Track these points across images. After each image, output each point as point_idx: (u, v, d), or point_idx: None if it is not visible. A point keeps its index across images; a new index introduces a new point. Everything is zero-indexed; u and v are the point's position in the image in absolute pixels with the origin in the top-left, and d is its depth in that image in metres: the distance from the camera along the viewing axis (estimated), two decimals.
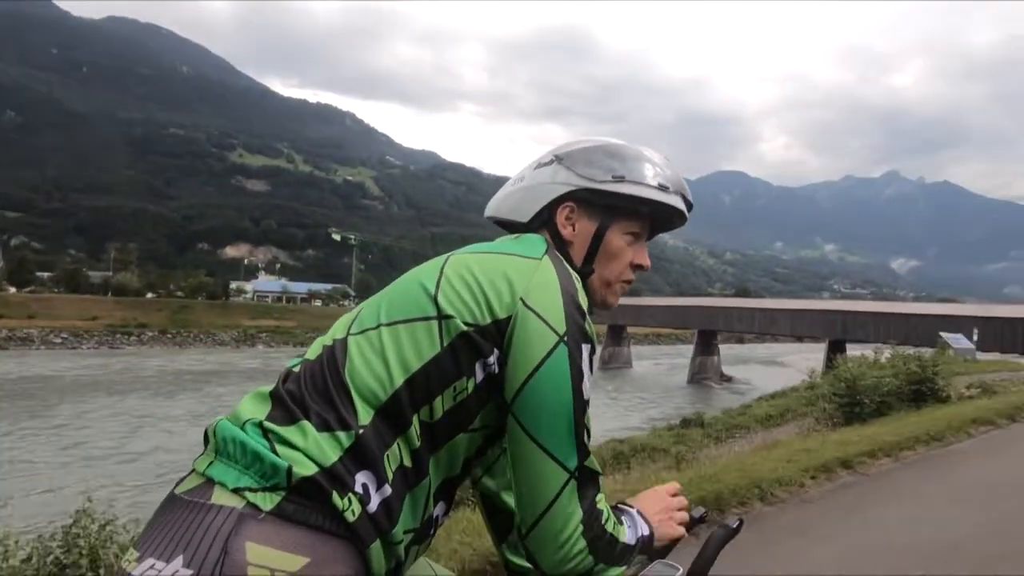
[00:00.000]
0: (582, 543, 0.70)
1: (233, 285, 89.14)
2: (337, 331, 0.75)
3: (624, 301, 0.96)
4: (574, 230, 0.85)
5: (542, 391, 0.69)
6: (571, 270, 0.80)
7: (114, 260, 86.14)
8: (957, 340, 21.23)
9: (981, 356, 22.69)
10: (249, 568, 0.55)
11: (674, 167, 0.90)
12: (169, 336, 58.28)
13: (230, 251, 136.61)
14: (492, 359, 0.71)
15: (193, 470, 0.66)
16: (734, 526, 0.90)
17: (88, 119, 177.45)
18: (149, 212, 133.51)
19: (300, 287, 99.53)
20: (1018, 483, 4.77)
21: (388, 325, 0.71)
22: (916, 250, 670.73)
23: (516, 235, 0.87)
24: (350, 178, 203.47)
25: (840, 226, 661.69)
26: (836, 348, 42.12)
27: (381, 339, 0.70)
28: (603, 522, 0.73)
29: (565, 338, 0.70)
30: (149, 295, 71.24)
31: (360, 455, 0.64)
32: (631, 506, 0.83)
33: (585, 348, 0.72)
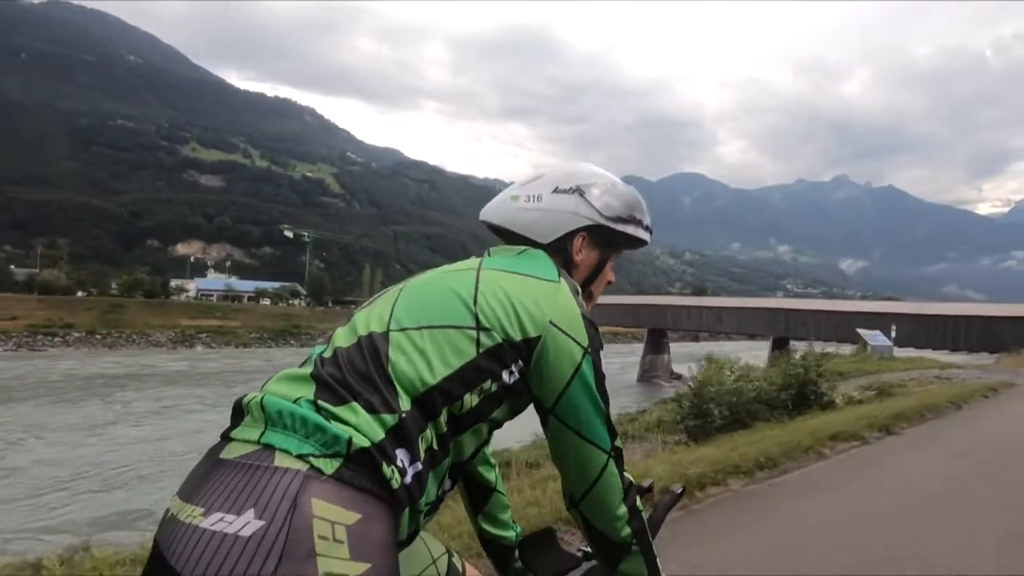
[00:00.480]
0: (623, 508, 0.89)
1: (176, 283, 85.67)
2: (373, 324, 0.84)
3: None
4: (582, 256, 1.01)
5: (578, 395, 0.85)
6: (574, 281, 0.96)
7: (41, 256, 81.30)
8: (874, 337, 20.23)
9: (902, 352, 22.72)
10: (315, 520, 0.65)
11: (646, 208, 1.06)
12: (98, 337, 54.94)
13: (181, 248, 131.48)
14: (515, 368, 0.84)
15: (232, 439, 0.74)
16: (679, 492, 1.09)
17: (27, 108, 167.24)
18: (93, 207, 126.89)
19: (247, 285, 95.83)
20: (830, 538, 3.40)
21: (429, 328, 0.82)
22: (863, 251, 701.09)
23: (523, 250, 0.98)
24: (309, 174, 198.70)
25: (793, 228, 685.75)
26: (780, 345, 41.39)
27: (424, 340, 0.81)
28: (634, 495, 0.92)
29: (589, 350, 0.86)
30: (80, 293, 67.16)
31: (401, 435, 0.74)
32: None
33: (601, 353, 0.89)
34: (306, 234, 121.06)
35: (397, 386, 0.77)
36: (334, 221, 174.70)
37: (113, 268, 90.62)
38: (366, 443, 0.71)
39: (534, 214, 1.00)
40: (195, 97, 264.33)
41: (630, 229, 1.03)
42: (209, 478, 0.70)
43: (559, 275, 0.92)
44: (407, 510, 0.75)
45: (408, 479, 0.74)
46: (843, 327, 34.01)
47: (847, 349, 24.49)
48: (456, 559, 1.04)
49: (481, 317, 0.83)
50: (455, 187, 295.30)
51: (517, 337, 0.84)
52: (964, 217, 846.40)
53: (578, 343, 0.86)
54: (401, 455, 0.74)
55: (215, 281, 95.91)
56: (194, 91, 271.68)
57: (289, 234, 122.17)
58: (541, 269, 0.92)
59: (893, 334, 22.77)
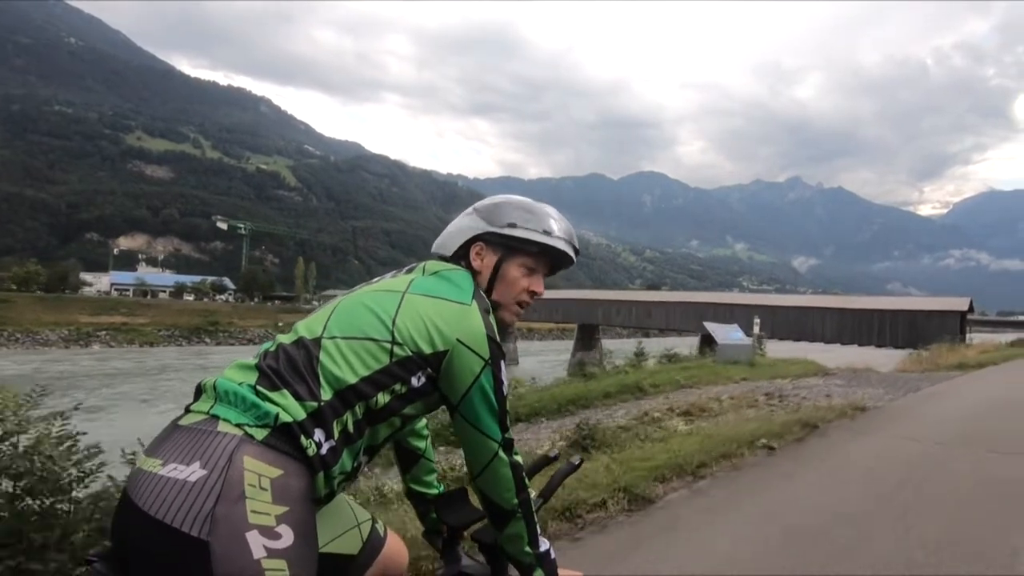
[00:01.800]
0: (511, 485, 1.09)
1: (88, 277, 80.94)
2: (313, 329, 1.06)
3: None
4: (482, 262, 1.21)
5: (477, 398, 1.06)
6: (486, 301, 1.14)
7: None
8: (729, 334, 13.81)
9: (789, 351, 17.64)
10: (245, 472, 0.88)
11: (565, 220, 1.24)
12: None
13: (124, 242, 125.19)
14: (423, 375, 1.06)
15: (190, 411, 0.98)
16: (576, 463, 1.26)
17: None
18: (26, 197, 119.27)
19: (166, 279, 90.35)
20: None
21: (353, 339, 1.03)
22: (815, 250, 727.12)
23: (449, 270, 1.18)
24: (264, 167, 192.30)
25: (749, 227, 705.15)
26: (710, 342, 39.91)
27: (348, 348, 1.03)
28: (523, 473, 1.11)
29: (489, 362, 1.06)
30: None
31: (319, 418, 0.97)
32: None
33: (502, 363, 1.09)
34: (242, 226, 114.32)
35: (322, 381, 0.99)
36: (290, 215, 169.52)
37: (47, 263, 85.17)
38: (290, 419, 0.94)
39: (445, 235, 1.24)
40: (142, 84, 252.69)
41: (519, 232, 1.19)
42: (168, 438, 0.93)
43: (472, 297, 1.11)
44: (321, 475, 0.97)
45: (323, 451, 0.96)
46: (771, 321, 32.90)
47: (787, 347, 23.22)
48: (380, 526, 1.24)
49: (396, 334, 1.04)
50: (417, 182, 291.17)
51: (428, 351, 1.04)
52: (907, 218, 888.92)
53: (480, 357, 1.05)
54: (318, 433, 0.96)
55: (129, 275, 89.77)
56: (141, 78, 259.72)
57: (223, 225, 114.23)
58: (458, 292, 1.11)
59: (757, 328, 17.33)
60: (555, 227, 1.21)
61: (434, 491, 1.39)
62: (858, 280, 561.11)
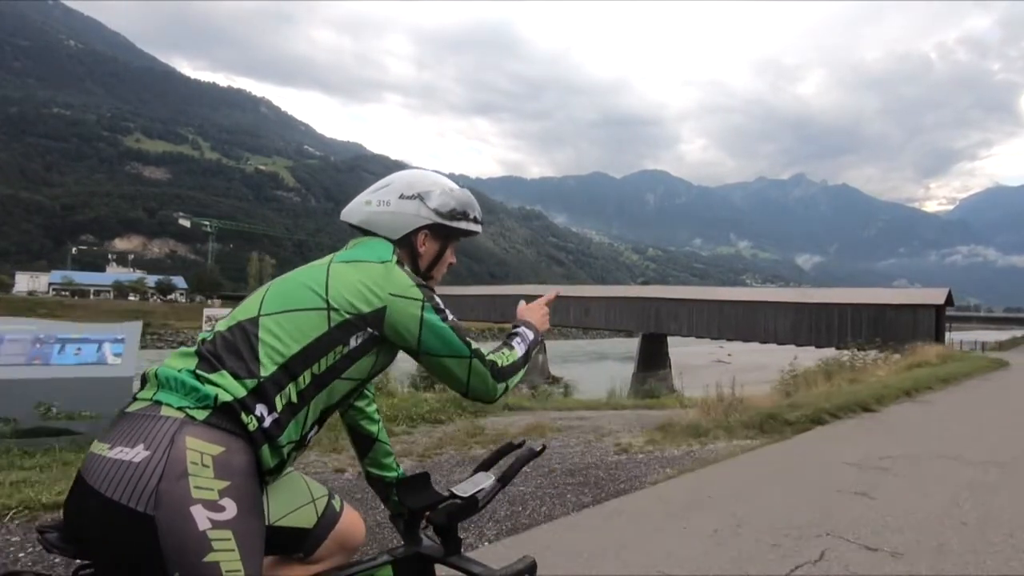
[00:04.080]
0: (492, 380, 1.17)
1: (26, 276, 78.41)
2: (249, 309, 1.10)
3: (441, 290, 1.26)
4: (425, 248, 1.27)
5: (430, 333, 1.13)
6: (402, 260, 1.23)
7: None
8: None
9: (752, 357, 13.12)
10: (188, 451, 0.92)
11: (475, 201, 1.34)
12: None
13: (119, 244, 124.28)
14: (361, 335, 1.10)
15: (137, 399, 1.02)
16: (538, 449, 1.29)
17: None
18: (21, 200, 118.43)
19: (103, 278, 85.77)
20: None
21: (290, 312, 1.08)
22: (819, 247, 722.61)
23: (367, 239, 1.24)
24: (263, 167, 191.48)
25: (753, 224, 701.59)
26: (655, 344, 33.21)
27: (286, 320, 1.07)
28: (498, 364, 1.19)
29: (425, 300, 1.13)
30: None
31: (260, 394, 1.01)
32: (519, 324, 1.34)
33: (436, 298, 1.16)
34: (207, 223, 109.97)
35: (262, 357, 1.03)
36: (288, 216, 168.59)
37: (40, 264, 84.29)
38: (229, 399, 0.98)
39: (385, 216, 1.24)
40: (141, 86, 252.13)
41: (463, 224, 1.29)
42: (117, 425, 0.98)
43: (392, 254, 1.19)
44: (266, 447, 1.01)
45: (266, 424, 1.01)
46: (718, 321, 29.36)
47: (734, 347, 19.96)
48: (336, 501, 1.25)
49: (331, 301, 1.09)
50: None
51: (366, 310, 1.10)
52: (913, 214, 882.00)
53: (415, 300, 1.12)
54: (259, 408, 1.00)
55: (70, 274, 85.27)
56: (140, 80, 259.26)
57: (185, 223, 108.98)
58: (376, 253, 1.18)
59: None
60: (479, 213, 1.33)
61: (393, 474, 1.41)
62: (863, 277, 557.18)
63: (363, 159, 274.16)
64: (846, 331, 23.88)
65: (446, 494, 1.20)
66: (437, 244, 1.29)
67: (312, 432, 1.13)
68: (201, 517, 0.89)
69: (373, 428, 1.40)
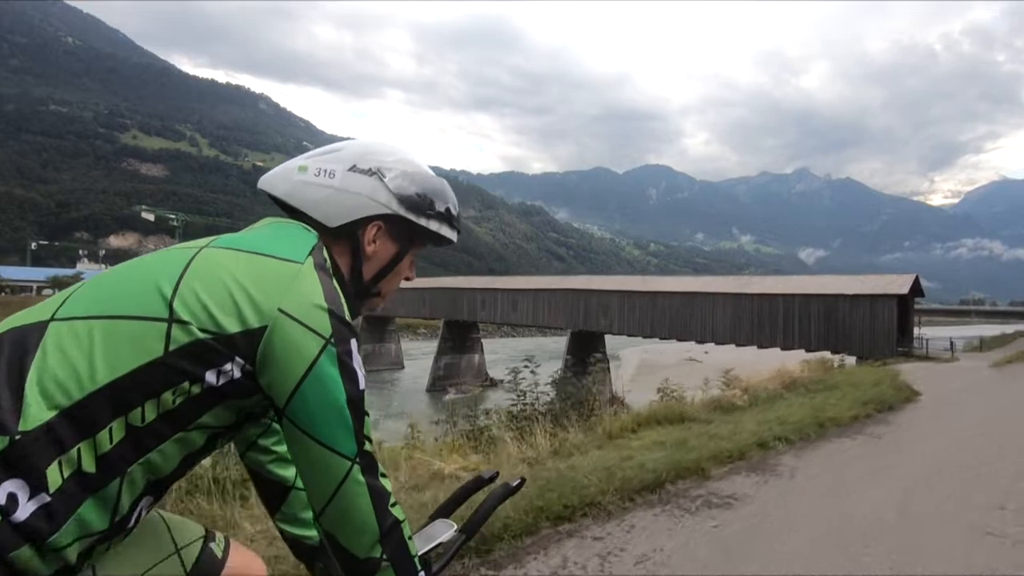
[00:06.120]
0: (373, 522, 0.73)
1: None
2: (35, 314, 0.69)
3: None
4: (375, 247, 0.87)
5: (313, 393, 0.70)
6: (327, 258, 0.80)
7: None
8: None
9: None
10: None
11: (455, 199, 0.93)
12: None
13: (115, 241, 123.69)
14: (230, 367, 0.69)
15: None
16: (514, 485, 0.98)
17: None
18: (15, 197, 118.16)
19: (35, 273, 76.53)
20: None
21: (103, 319, 0.67)
22: (822, 241, 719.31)
23: (280, 222, 0.85)
24: (261, 164, 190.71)
25: (756, 219, 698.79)
26: (586, 343, 27.54)
27: (93, 333, 0.66)
28: (389, 503, 0.75)
29: (332, 341, 0.71)
30: None
31: (11, 462, 0.59)
32: None
33: (353, 344, 0.73)
34: (173, 217, 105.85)
35: (28, 395, 0.62)
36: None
37: (32, 261, 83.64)
38: None
39: (323, 191, 0.85)
40: (139, 83, 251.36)
41: (434, 225, 0.90)
42: None
43: (308, 254, 0.77)
44: (26, 549, 0.60)
45: (23, 515, 0.59)
46: (652, 318, 25.40)
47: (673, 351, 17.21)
48: (217, 543, 0.90)
49: (177, 307, 0.68)
50: None
51: (233, 329, 0.69)
52: (917, 208, 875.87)
53: (316, 333, 0.71)
54: (11, 487, 0.59)
55: (8, 269, 77.31)
56: (138, 76, 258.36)
57: (149, 216, 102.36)
58: (285, 247, 0.77)
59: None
60: (456, 207, 0.95)
61: (314, 534, 1.00)
62: (866, 271, 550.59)
63: None
64: (792, 328, 20.89)
65: None
66: (393, 246, 0.89)
67: (142, 510, 0.72)
68: None
69: (287, 473, 0.99)
